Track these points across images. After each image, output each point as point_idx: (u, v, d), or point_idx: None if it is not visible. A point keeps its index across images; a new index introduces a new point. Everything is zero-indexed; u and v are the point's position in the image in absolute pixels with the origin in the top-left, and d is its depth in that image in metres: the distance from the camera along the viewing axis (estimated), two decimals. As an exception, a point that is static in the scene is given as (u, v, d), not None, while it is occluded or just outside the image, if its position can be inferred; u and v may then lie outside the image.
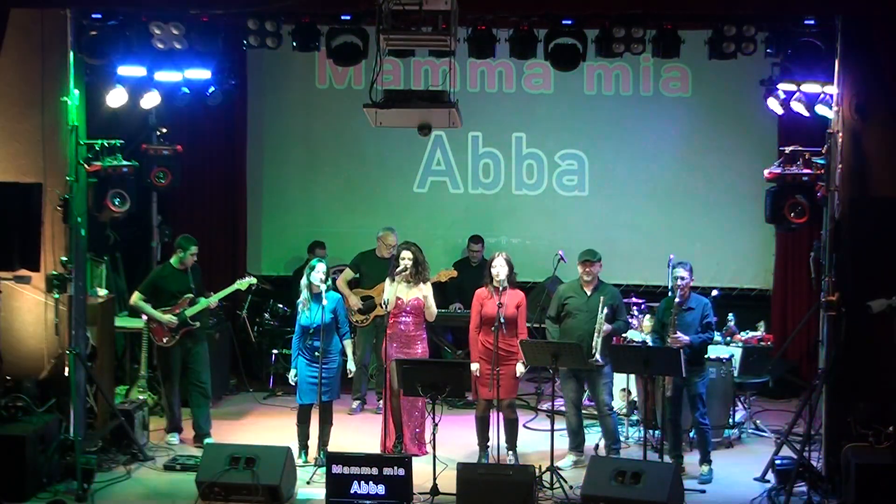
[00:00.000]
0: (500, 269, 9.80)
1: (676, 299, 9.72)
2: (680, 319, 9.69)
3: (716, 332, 10.38)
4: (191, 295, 10.53)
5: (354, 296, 11.66)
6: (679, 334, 9.59)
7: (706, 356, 10.02)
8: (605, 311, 9.79)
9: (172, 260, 10.71)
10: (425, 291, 10.16)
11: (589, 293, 9.91)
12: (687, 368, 9.52)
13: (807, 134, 10.46)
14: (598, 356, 9.70)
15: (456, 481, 8.95)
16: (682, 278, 9.69)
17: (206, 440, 10.39)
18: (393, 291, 10.08)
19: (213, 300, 10.74)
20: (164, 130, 11.76)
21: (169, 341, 10.51)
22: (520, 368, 9.84)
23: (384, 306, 10.10)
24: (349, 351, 10.11)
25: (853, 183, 9.44)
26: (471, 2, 9.01)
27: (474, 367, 9.81)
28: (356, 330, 11.69)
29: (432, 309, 10.20)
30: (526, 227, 13.46)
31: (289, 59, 12.66)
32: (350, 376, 10.32)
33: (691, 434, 10.26)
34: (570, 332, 9.88)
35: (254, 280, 11.22)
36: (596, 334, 9.74)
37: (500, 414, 9.88)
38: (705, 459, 9.84)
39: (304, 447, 10.08)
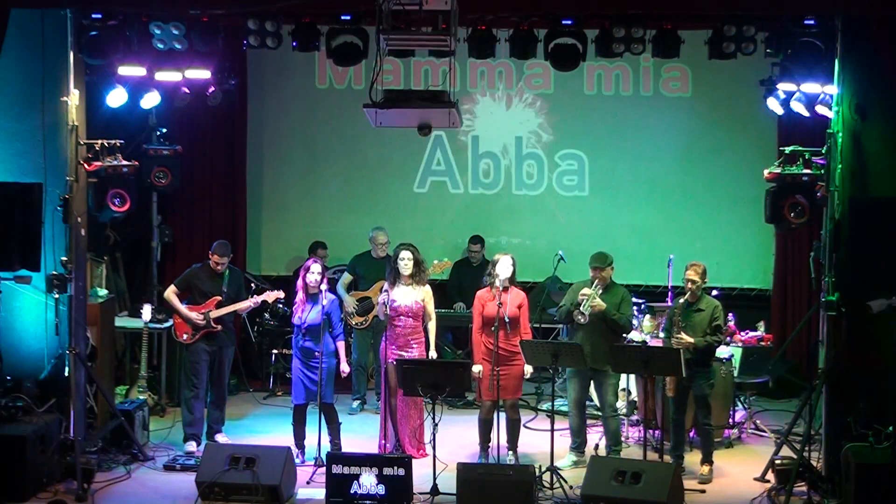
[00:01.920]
0: (504, 269, 9.77)
1: (681, 300, 9.73)
2: (689, 320, 9.69)
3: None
4: (219, 297, 10.51)
5: (350, 298, 11.65)
6: (682, 335, 9.59)
7: (714, 357, 10.01)
8: (600, 290, 9.75)
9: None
10: (424, 296, 10.10)
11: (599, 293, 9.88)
12: (694, 369, 9.54)
13: (807, 134, 10.47)
14: (582, 311, 9.65)
15: (456, 481, 8.95)
16: (692, 280, 9.68)
17: (217, 436, 10.44)
18: (402, 294, 10.04)
19: (240, 306, 10.63)
20: (164, 130, 11.74)
21: (188, 339, 10.48)
22: (528, 369, 9.83)
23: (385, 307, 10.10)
24: (342, 353, 10.09)
25: (853, 183, 9.45)
26: (471, 2, 9.01)
27: (476, 369, 9.77)
28: (353, 331, 11.70)
29: (432, 315, 10.15)
30: (526, 227, 13.45)
31: (289, 59, 12.65)
32: (344, 377, 10.28)
33: (691, 434, 10.26)
34: (576, 332, 9.89)
35: (281, 294, 10.97)
36: (585, 298, 9.67)
37: (504, 414, 9.88)
38: (707, 460, 9.83)
39: (300, 447, 10.06)
